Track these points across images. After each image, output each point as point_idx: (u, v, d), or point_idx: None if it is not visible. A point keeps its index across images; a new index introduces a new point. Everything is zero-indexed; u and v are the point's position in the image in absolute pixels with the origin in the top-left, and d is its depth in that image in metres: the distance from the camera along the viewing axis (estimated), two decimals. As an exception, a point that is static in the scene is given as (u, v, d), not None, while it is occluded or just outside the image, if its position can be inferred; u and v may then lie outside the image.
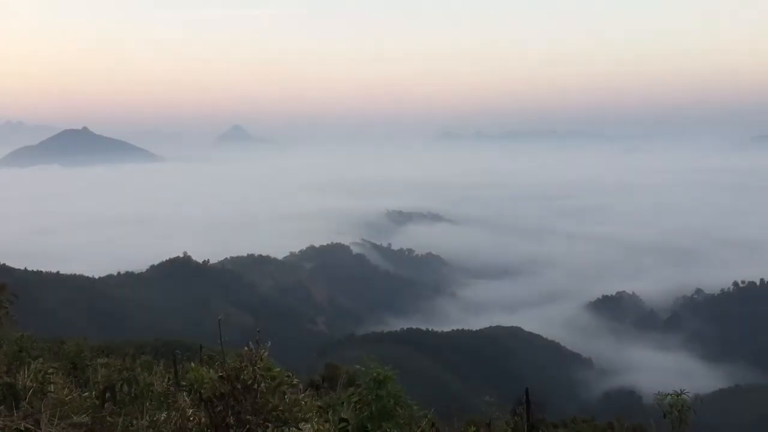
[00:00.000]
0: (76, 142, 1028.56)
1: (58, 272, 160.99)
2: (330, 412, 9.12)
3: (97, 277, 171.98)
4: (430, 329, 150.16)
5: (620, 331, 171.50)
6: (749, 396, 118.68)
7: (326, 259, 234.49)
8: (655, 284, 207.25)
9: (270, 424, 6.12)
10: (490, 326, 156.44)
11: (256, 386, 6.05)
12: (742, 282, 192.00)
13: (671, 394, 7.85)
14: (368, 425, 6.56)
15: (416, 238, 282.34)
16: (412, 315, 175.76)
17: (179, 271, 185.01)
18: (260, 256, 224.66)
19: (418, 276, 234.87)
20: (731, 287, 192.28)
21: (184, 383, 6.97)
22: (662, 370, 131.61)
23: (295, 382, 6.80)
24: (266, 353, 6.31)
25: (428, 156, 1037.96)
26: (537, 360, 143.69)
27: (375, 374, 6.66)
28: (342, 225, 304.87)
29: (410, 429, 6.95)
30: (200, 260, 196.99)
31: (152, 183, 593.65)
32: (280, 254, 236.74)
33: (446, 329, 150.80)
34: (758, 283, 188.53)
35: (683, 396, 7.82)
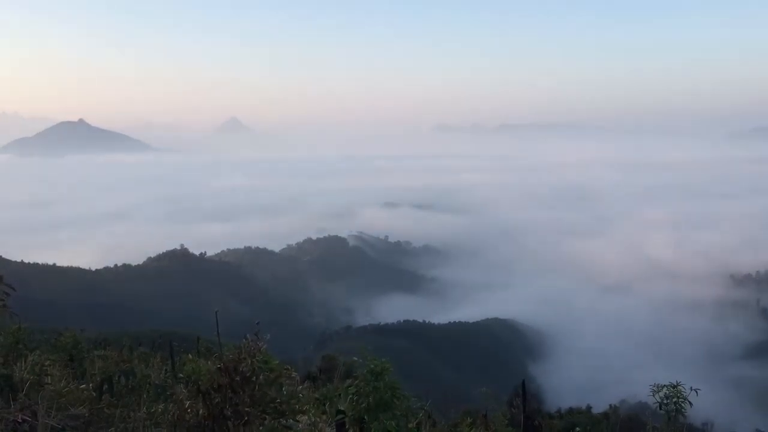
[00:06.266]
0: (73, 134, 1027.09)
1: (54, 264, 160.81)
2: (327, 404, 9.16)
3: (94, 269, 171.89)
4: (427, 321, 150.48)
5: (618, 323, 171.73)
6: (745, 388, 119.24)
7: (323, 252, 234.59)
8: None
9: (268, 416, 6.14)
10: (487, 318, 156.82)
11: (254, 378, 6.07)
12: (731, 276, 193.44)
13: (667, 386, 7.88)
14: (365, 417, 6.58)
15: (413, 231, 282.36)
16: (409, 307, 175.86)
17: (176, 263, 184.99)
18: (257, 248, 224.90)
19: (414, 268, 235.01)
20: (729, 278, 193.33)
21: (181, 375, 6.98)
22: (661, 363, 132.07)
23: (292, 375, 6.82)
24: (264, 345, 6.33)
25: (425, 148, 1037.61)
26: (534, 352, 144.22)
27: (372, 366, 6.67)
28: (339, 217, 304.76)
29: (407, 421, 6.98)
30: (197, 252, 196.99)
31: (149, 175, 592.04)
32: (277, 247, 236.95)
33: (443, 321, 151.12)
34: (754, 275, 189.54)
35: (679, 388, 7.85)
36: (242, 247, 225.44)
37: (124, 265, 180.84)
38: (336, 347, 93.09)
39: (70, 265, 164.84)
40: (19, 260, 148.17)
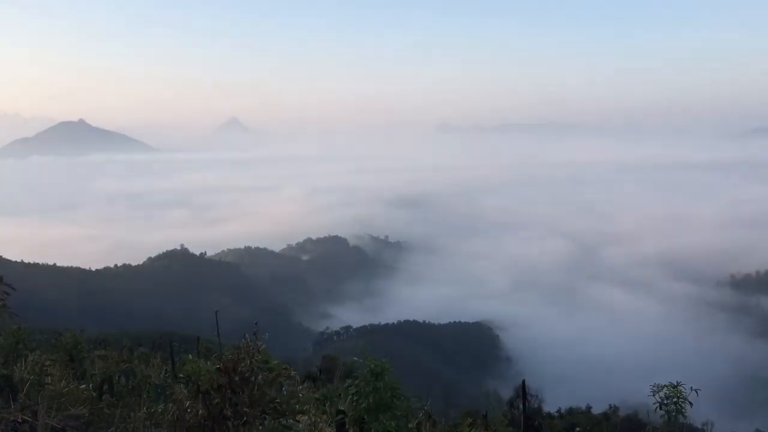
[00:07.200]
0: (73, 134, 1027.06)
1: (54, 264, 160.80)
2: (327, 404, 9.17)
3: (94, 269, 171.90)
4: (427, 321, 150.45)
5: (617, 323, 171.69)
6: (746, 387, 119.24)
7: (323, 252, 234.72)
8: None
9: (267, 416, 6.13)
10: (488, 318, 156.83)
11: (253, 378, 6.05)
12: (732, 276, 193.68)
13: (667, 386, 7.88)
14: (365, 417, 6.58)
15: (413, 231, 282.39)
16: (409, 307, 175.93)
17: (177, 263, 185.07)
18: (257, 248, 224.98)
19: (415, 268, 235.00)
20: (729, 278, 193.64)
21: (181, 375, 6.98)
22: (660, 363, 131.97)
23: (292, 374, 6.82)
24: (264, 345, 6.32)
25: (426, 148, 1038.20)
26: (534, 352, 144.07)
27: (372, 366, 6.67)
28: (339, 217, 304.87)
29: (407, 421, 6.98)
30: (197, 252, 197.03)
31: (149, 174, 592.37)
32: (277, 247, 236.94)
33: (443, 321, 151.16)
34: (754, 275, 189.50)
35: (679, 388, 7.85)
36: (242, 247, 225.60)
37: (124, 265, 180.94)
38: (336, 347, 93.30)
39: (70, 265, 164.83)
40: (19, 260, 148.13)
